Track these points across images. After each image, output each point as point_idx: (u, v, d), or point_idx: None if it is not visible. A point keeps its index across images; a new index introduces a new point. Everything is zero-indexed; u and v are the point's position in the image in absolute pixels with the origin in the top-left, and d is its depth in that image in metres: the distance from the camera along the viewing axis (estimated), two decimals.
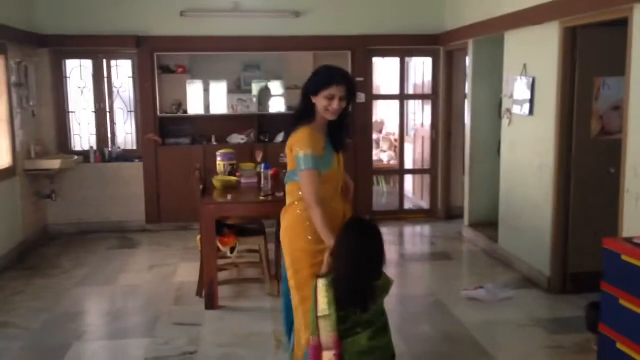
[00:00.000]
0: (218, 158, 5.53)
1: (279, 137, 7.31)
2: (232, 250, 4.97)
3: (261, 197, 4.72)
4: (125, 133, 7.65)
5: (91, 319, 4.86)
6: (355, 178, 7.16)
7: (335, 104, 3.04)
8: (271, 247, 5.15)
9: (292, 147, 3.09)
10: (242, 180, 5.29)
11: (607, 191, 4.53)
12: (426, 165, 8.16)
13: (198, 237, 4.93)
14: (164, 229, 7.36)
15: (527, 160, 5.46)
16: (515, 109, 5.62)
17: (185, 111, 7.47)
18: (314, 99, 3.08)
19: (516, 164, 5.70)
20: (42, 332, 4.41)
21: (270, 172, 4.91)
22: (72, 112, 7.47)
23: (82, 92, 7.47)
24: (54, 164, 6.67)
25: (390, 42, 7.54)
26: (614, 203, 4.21)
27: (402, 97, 8.04)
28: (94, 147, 7.41)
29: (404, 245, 7.10)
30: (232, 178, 5.26)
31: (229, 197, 4.83)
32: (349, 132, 3.33)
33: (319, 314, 2.78)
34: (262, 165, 5.05)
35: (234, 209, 4.95)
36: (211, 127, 7.55)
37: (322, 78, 3.07)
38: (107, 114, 7.52)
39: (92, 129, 7.53)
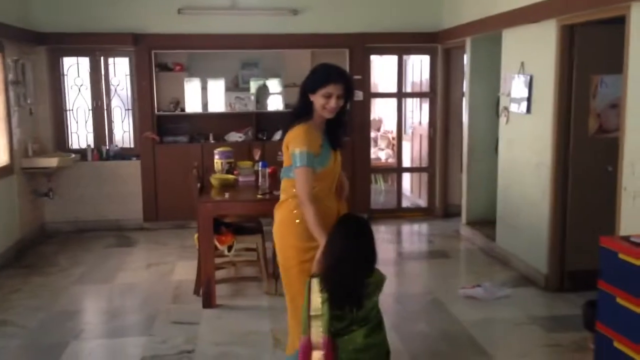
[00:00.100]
0: (216, 156, 5.53)
1: (277, 136, 7.30)
2: (229, 248, 4.96)
3: (259, 196, 4.72)
4: (123, 131, 7.64)
5: (89, 317, 4.85)
6: (353, 176, 7.30)
7: (332, 103, 3.04)
8: (269, 245, 5.12)
9: (288, 144, 3.10)
10: (240, 178, 5.28)
11: (605, 189, 4.53)
12: (424, 164, 8.16)
13: (196, 235, 4.93)
14: (162, 227, 7.35)
15: (524, 158, 5.46)
16: (513, 107, 5.62)
17: (183, 109, 7.46)
18: (312, 97, 3.08)
19: (514, 162, 5.70)
20: (39, 330, 4.41)
21: (268, 170, 4.91)
22: (69, 110, 7.46)
23: (79, 90, 7.45)
24: (52, 162, 6.65)
25: (388, 40, 7.53)
26: (611, 201, 4.21)
27: (400, 95, 8.03)
28: (92, 146, 7.41)
29: (401, 244, 7.10)
30: (230, 176, 5.26)
31: (226, 195, 4.82)
32: (346, 131, 3.34)
33: (312, 313, 2.79)
34: (260, 163, 5.04)
35: (231, 208, 4.94)
36: (209, 125, 7.54)
37: (320, 76, 3.08)
38: (105, 112, 7.51)
39: (90, 127, 7.52)
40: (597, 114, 4.86)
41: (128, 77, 7.49)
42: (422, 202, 8.24)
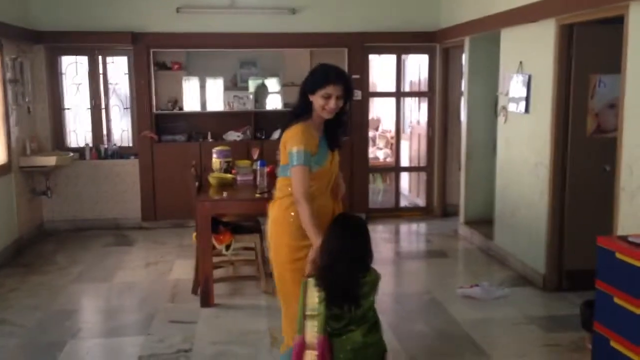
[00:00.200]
0: (214, 155, 5.52)
1: (276, 135, 7.28)
2: (227, 247, 4.96)
3: (257, 195, 4.71)
4: (122, 130, 7.64)
5: (87, 316, 4.85)
6: (351, 176, 7.32)
7: (331, 104, 3.05)
8: (267, 244, 5.14)
9: (285, 143, 3.12)
10: (238, 177, 5.28)
11: (603, 189, 4.53)
12: (422, 163, 8.16)
13: (194, 234, 4.92)
14: (160, 226, 7.35)
15: (523, 158, 5.47)
16: (512, 107, 5.62)
17: (181, 108, 7.45)
18: (311, 98, 3.09)
19: (512, 161, 5.71)
20: (37, 329, 4.40)
21: (266, 169, 4.91)
22: (67, 109, 7.46)
23: (77, 88, 7.45)
24: (50, 161, 6.65)
25: (387, 39, 7.54)
26: (609, 201, 4.22)
27: (399, 94, 8.03)
28: (90, 144, 7.40)
29: (400, 243, 7.10)
30: (228, 175, 5.25)
31: (224, 194, 4.82)
32: (345, 131, 3.35)
33: (308, 312, 2.79)
34: (259, 162, 5.04)
35: (229, 207, 4.94)
36: (207, 124, 7.54)
37: (319, 77, 3.08)
38: (103, 111, 7.51)
39: (88, 126, 7.51)
40: (595, 113, 4.86)
41: (126, 76, 7.48)
42: (421, 202, 8.24)
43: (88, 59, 7.40)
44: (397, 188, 8.25)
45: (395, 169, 8.38)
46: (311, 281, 2.83)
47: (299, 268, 3.05)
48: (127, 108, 7.57)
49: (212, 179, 5.12)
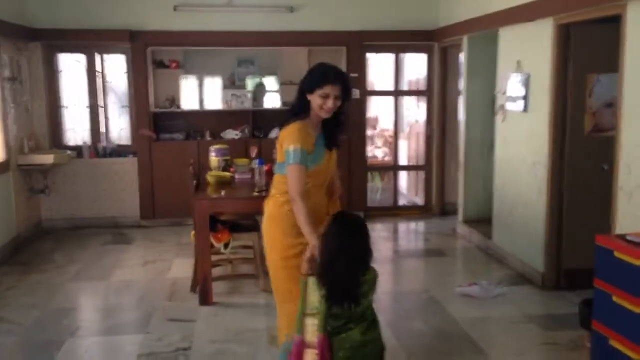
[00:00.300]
0: (212, 154, 5.52)
1: (274, 133, 7.28)
2: (226, 246, 4.96)
3: (255, 193, 4.71)
4: (120, 128, 7.63)
5: (85, 314, 4.85)
6: (349, 174, 7.31)
7: (330, 103, 3.05)
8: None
9: (282, 141, 3.13)
10: (236, 176, 5.28)
11: (601, 188, 4.54)
12: (421, 162, 8.17)
13: (192, 232, 4.92)
14: (158, 224, 7.34)
15: (521, 156, 5.47)
16: (509, 106, 5.62)
17: (178, 106, 7.44)
18: (309, 97, 3.09)
19: (510, 160, 5.71)
20: (35, 328, 4.39)
21: (264, 167, 4.90)
22: (65, 107, 7.44)
23: (75, 87, 7.43)
24: (48, 159, 6.64)
25: (385, 38, 7.53)
26: (607, 200, 4.22)
27: (397, 93, 8.03)
28: (88, 143, 7.39)
29: (398, 242, 7.11)
30: (226, 174, 5.25)
31: (222, 193, 4.82)
32: (343, 130, 3.36)
33: (309, 311, 2.79)
34: (257, 161, 5.04)
35: (227, 205, 4.94)
36: (205, 122, 7.54)
37: (317, 77, 3.08)
38: (101, 109, 7.49)
39: (86, 124, 7.50)
40: (592, 112, 4.87)
41: (124, 74, 7.47)
42: (419, 200, 8.24)
43: (86, 56, 7.38)
44: (395, 187, 8.26)
45: (393, 168, 8.39)
46: (311, 279, 2.83)
47: (292, 265, 3.08)
48: (125, 106, 7.55)
49: (210, 177, 5.12)
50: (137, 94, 7.26)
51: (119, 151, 7.44)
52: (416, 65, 8.28)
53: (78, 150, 7.29)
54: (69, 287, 5.27)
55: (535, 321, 4.45)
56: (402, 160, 8.56)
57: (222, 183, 5.06)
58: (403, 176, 8.82)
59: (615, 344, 3.13)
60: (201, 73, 7.43)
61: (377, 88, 9.36)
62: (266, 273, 5.04)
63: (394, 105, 8.04)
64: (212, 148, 5.58)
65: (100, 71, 7.45)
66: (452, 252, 6.43)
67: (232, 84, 7.62)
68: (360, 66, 7.56)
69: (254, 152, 5.67)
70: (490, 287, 5.03)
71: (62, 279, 5.47)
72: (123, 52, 7.37)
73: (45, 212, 7.21)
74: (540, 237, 5.13)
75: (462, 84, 7.06)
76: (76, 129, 7.50)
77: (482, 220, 6.65)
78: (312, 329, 2.78)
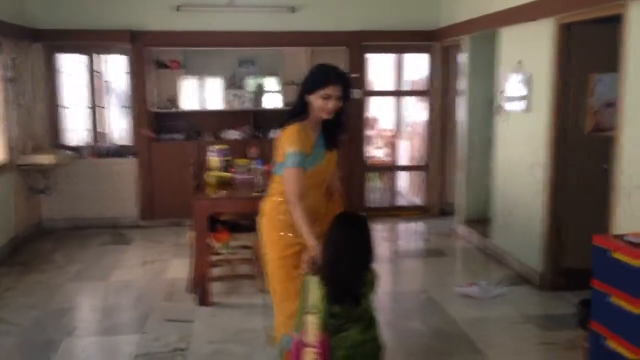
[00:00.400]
0: (213, 154, 5.51)
1: (275, 134, 7.28)
2: (225, 246, 4.95)
3: (255, 194, 4.70)
4: (120, 129, 7.63)
5: (83, 315, 4.84)
6: (349, 174, 7.29)
7: (330, 104, 3.05)
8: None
9: (281, 143, 3.12)
10: (237, 176, 5.27)
11: (600, 188, 4.52)
12: (421, 162, 8.15)
13: (188, 233, 4.91)
14: (158, 225, 7.34)
15: (520, 156, 5.46)
16: (510, 106, 5.61)
17: (179, 107, 7.44)
18: (310, 98, 3.09)
19: (510, 160, 5.70)
20: (33, 328, 4.39)
21: (265, 168, 4.90)
22: (66, 107, 7.45)
23: (76, 87, 7.43)
24: (48, 159, 6.64)
25: (386, 38, 7.52)
26: (606, 200, 4.21)
27: (398, 93, 8.02)
28: (88, 143, 7.39)
29: (397, 242, 7.09)
30: (226, 174, 5.24)
31: (222, 193, 4.81)
32: (344, 130, 3.35)
33: (309, 310, 2.78)
34: (257, 161, 5.03)
35: (227, 205, 4.92)
36: (206, 123, 7.54)
37: (318, 78, 3.08)
38: (102, 110, 7.50)
39: (86, 124, 7.50)
40: (593, 112, 4.85)
41: (125, 75, 7.47)
42: (419, 201, 8.23)
43: (86, 57, 7.39)
44: (395, 187, 8.24)
45: (393, 168, 8.37)
46: (312, 279, 2.83)
47: (288, 264, 3.09)
48: (125, 107, 7.56)
49: (210, 177, 5.11)
50: (138, 94, 7.26)
51: (120, 151, 7.44)
52: (417, 66, 8.26)
53: (78, 150, 7.29)
54: (68, 288, 5.27)
55: (534, 321, 4.44)
56: (402, 161, 8.55)
57: (222, 183, 5.05)
58: (403, 176, 8.80)
59: (612, 344, 3.12)
60: (202, 73, 7.43)
61: (378, 88, 9.36)
62: (264, 274, 5.08)
63: (395, 106, 8.02)
64: (212, 148, 5.57)
65: (101, 71, 7.45)
66: (451, 252, 6.42)
67: (232, 84, 7.62)
68: (361, 66, 7.55)
69: (254, 152, 5.66)
70: (490, 288, 5.02)
71: (61, 279, 5.46)
72: (124, 53, 7.36)
73: (45, 212, 7.21)
74: (539, 237, 5.11)
75: (462, 84, 7.04)
76: (77, 130, 7.51)
77: (481, 221, 6.63)
78: (312, 328, 2.77)
